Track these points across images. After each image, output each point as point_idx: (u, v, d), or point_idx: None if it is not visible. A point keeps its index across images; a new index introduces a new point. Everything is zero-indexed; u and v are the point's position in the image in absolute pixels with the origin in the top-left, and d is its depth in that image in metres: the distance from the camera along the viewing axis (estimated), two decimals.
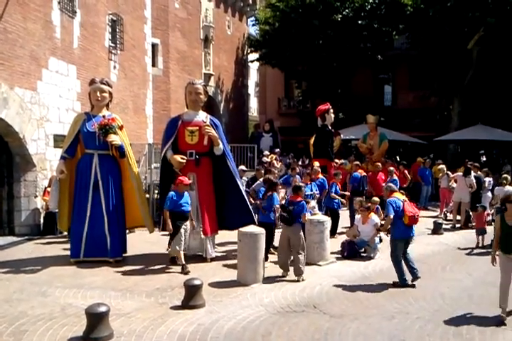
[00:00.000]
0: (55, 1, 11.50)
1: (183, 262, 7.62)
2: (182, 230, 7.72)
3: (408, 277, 7.24)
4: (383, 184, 10.88)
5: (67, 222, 8.66)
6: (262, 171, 10.23)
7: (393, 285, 7.18)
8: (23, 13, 10.37)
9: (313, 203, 9.11)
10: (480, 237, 9.91)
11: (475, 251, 9.65)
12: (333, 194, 10.53)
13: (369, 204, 9.70)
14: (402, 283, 7.13)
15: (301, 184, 8.40)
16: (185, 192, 7.90)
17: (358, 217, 9.57)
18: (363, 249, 9.06)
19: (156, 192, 10.01)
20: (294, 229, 7.45)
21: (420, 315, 5.91)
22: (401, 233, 7.27)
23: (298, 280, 7.25)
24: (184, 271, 7.50)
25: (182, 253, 7.72)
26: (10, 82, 10.01)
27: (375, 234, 9.05)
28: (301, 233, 7.55)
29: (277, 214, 8.19)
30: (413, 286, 7.11)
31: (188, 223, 7.90)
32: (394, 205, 7.19)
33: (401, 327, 5.53)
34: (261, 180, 9.32)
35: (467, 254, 9.48)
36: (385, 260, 8.69)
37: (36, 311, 5.81)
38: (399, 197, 7.39)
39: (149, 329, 5.31)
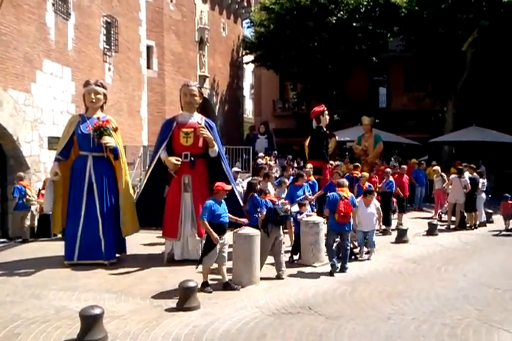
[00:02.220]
0: (50, 3, 11.50)
1: (208, 279, 6.89)
2: (218, 245, 6.77)
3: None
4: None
5: (61, 225, 8.62)
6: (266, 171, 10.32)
7: (330, 273, 7.74)
8: (17, 15, 10.36)
9: (308, 208, 9.03)
10: (507, 221, 11.81)
11: (503, 233, 11.65)
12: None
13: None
14: (331, 266, 7.85)
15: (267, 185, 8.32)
16: (223, 201, 7.05)
17: (358, 199, 9.07)
18: (358, 249, 9.01)
19: (138, 191, 9.69)
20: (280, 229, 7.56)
21: (416, 315, 5.91)
22: (334, 226, 8.03)
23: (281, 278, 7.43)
24: (207, 290, 6.71)
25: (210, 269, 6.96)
26: (4, 83, 9.99)
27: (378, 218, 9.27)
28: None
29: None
30: (342, 271, 7.86)
31: (225, 236, 6.97)
32: (330, 198, 7.94)
33: (396, 327, 5.53)
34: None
35: (494, 236, 11.38)
36: (380, 261, 8.73)
37: (30, 314, 5.76)
38: (341, 194, 7.94)
39: (144, 332, 5.27)
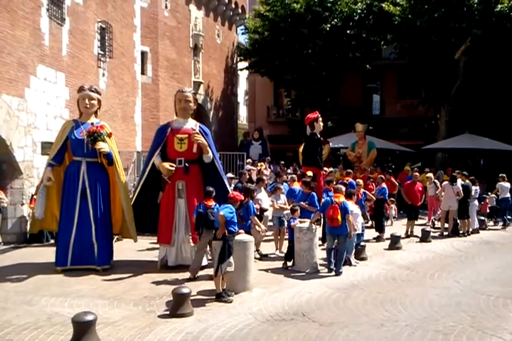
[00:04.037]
0: (44, 8, 11.50)
1: (225, 287, 6.78)
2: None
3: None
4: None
5: (39, 226, 8.86)
6: (247, 176, 10.19)
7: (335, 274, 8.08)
8: (12, 20, 10.35)
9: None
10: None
11: None
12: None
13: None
14: (328, 269, 8.29)
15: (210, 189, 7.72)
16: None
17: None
18: (352, 256, 9.00)
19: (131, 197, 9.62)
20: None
21: (409, 322, 5.91)
22: (327, 229, 8.54)
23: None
24: (227, 300, 6.55)
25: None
26: None
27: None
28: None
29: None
30: (336, 274, 8.11)
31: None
32: (324, 203, 8.43)
33: (390, 334, 5.53)
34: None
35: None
36: (374, 268, 8.75)
37: (21, 320, 5.71)
38: (334, 199, 8.24)
39: (137, 338, 5.24)
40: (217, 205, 7.27)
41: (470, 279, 7.98)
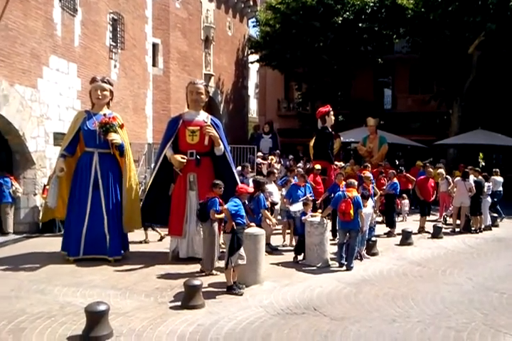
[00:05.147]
0: None
1: (236, 279, 6.73)
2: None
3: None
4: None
5: (50, 216, 8.96)
6: (249, 169, 10.13)
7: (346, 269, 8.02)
8: (24, 11, 10.34)
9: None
10: None
11: None
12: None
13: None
14: (338, 263, 8.28)
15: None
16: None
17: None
18: (364, 251, 8.98)
19: (142, 189, 9.59)
20: (205, 225, 7.39)
21: (421, 318, 5.87)
22: (340, 224, 8.48)
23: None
24: (238, 293, 6.57)
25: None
26: (10, 79, 9.97)
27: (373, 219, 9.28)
28: (213, 229, 7.36)
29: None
30: (347, 269, 8.08)
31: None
32: (335, 197, 8.43)
33: (402, 330, 5.50)
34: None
35: None
36: (385, 263, 8.70)
37: (35, 309, 5.75)
38: (346, 194, 8.21)
39: (149, 329, 5.26)
40: (217, 198, 7.18)
41: (482, 276, 7.91)
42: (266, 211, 8.40)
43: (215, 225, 7.30)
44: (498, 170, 14.95)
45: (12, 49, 9.99)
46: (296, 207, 9.13)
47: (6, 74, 9.84)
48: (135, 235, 9.97)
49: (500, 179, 14.50)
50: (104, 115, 8.45)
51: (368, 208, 8.91)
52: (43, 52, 11.01)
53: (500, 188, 14.48)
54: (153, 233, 10.03)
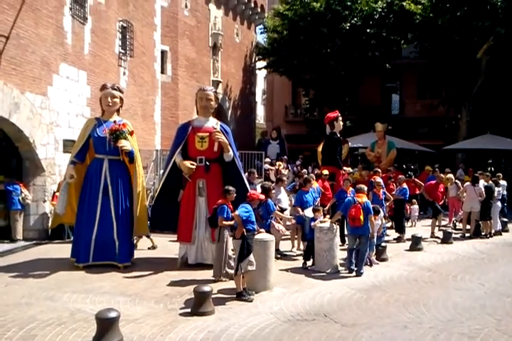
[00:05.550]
0: (67, 7, 11.60)
1: (246, 286, 6.71)
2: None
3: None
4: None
5: (59, 222, 9.14)
6: (255, 175, 10.15)
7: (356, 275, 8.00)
8: (36, 19, 10.46)
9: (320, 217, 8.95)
10: None
11: None
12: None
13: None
14: (348, 269, 8.25)
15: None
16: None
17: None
18: (373, 256, 8.93)
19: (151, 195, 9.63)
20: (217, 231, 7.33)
21: (433, 324, 5.82)
22: (350, 230, 8.54)
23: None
24: (248, 299, 6.55)
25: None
26: (21, 87, 10.07)
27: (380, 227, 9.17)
28: (223, 235, 7.26)
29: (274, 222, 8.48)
30: (357, 275, 8.04)
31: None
32: (345, 202, 8.39)
33: (414, 336, 5.45)
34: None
35: None
36: (395, 269, 8.65)
37: (45, 316, 5.76)
38: (356, 199, 8.22)
39: (159, 336, 5.25)
40: (226, 205, 7.14)
41: (494, 281, 7.83)
42: (277, 212, 8.44)
43: (226, 232, 7.29)
44: (501, 174, 14.81)
45: (23, 57, 10.10)
46: (310, 212, 9.10)
47: (18, 82, 9.94)
48: (141, 242, 10.04)
49: (503, 183, 14.37)
50: (115, 122, 8.51)
51: (377, 220, 8.91)
52: (54, 60, 11.11)
53: (505, 192, 14.37)
54: (160, 239, 10.03)
